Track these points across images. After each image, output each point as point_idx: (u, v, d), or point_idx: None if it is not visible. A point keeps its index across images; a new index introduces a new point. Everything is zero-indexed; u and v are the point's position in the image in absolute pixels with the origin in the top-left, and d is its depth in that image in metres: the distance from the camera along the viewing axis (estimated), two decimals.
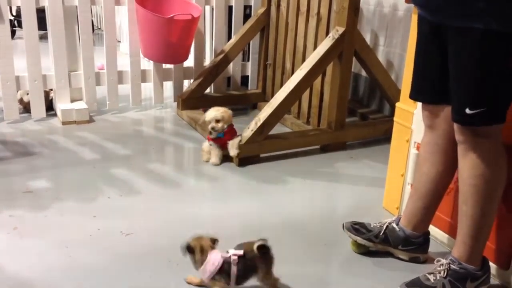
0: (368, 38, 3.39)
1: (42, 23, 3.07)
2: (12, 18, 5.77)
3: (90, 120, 3.22)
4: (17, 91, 3.11)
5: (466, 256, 1.57)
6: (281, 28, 3.27)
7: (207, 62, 3.57)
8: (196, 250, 1.51)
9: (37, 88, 3.10)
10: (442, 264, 1.60)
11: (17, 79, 3.03)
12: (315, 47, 2.89)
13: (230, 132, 2.62)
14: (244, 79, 3.73)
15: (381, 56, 3.36)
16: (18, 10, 4.85)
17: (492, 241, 1.67)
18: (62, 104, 3.18)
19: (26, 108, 3.27)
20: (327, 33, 2.81)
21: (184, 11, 3.17)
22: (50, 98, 3.34)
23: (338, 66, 2.73)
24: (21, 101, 3.24)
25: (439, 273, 1.59)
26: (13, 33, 4.94)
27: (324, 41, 2.70)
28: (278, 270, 1.56)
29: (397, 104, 2.10)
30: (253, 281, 1.55)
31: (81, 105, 3.21)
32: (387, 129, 2.72)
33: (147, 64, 3.50)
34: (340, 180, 2.52)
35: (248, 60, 3.70)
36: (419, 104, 1.78)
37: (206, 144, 2.66)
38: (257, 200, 2.28)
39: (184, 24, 3.08)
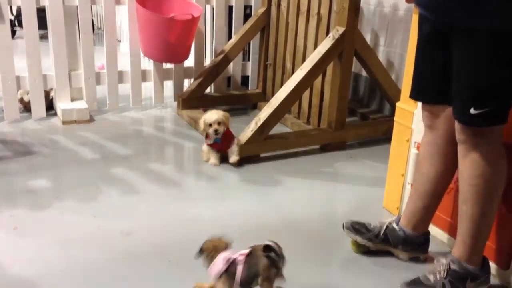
0: (368, 38, 3.38)
1: (42, 22, 3.07)
2: (12, 17, 5.76)
3: (90, 120, 3.22)
4: (18, 91, 3.11)
5: (466, 256, 1.57)
6: (281, 28, 3.27)
7: (207, 62, 3.56)
8: (207, 252, 1.50)
9: (38, 87, 3.10)
10: (442, 264, 1.60)
11: (17, 78, 3.04)
12: (315, 47, 2.88)
13: (227, 137, 2.57)
14: (244, 79, 3.73)
15: (381, 56, 3.36)
16: (19, 10, 4.85)
17: (492, 241, 1.67)
18: (62, 104, 3.18)
19: (26, 107, 3.27)
20: (327, 33, 2.81)
21: (185, 10, 3.17)
22: (51, 97, 3.34)
23: (338, 66, 2.73)
24: (21, 100, 3.24)
25: (439, 273, 1.59)
26: (13, 32, 4.93)
27: (325, 41, 2.70)
28: None
29: (397, 104, 2.09)
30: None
31: (81, 104, 3.21)
32: (387, 129, 2.72)
33: (147, 64, 3.50)
34: (340, 180, 2.52)
35: (249, 60, 3.69)
36: (420, 104, 1.78)
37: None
38: (257, 199, 2.28)
39: (185, 24, 3.08)
